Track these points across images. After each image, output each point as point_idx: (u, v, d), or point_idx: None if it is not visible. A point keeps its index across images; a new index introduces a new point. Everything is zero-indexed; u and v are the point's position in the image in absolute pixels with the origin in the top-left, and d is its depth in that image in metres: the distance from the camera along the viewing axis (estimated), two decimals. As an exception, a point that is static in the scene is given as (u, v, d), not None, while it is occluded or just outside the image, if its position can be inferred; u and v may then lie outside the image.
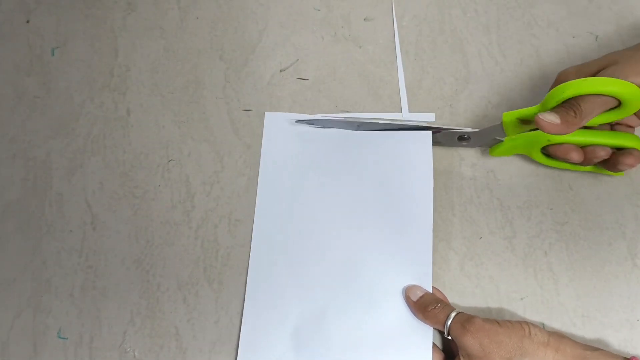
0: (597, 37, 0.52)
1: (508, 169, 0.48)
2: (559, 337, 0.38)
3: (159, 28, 0.55)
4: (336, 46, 0.53)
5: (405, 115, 0.51)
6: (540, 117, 0.40)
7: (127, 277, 0.47)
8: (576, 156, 0.43)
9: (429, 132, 0.48)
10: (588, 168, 0.47)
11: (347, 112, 0.51)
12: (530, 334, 0.38)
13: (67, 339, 0.46)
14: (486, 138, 0.47)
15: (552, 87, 0.45)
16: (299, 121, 0.50)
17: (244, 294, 0.46)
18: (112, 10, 0.56)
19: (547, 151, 0.45)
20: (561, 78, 0.44)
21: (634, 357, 0.37)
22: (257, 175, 0.49)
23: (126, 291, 0.47)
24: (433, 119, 0.50)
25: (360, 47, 0.53)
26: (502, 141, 0.46)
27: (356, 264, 0.45)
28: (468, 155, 0.49)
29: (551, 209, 0.47)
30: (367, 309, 0.44)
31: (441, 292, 0.44)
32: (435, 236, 0.47)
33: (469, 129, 0.47)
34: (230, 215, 0.48)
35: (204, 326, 0.46)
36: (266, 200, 0.48)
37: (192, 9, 0.55)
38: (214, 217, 0.49)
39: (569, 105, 0.40)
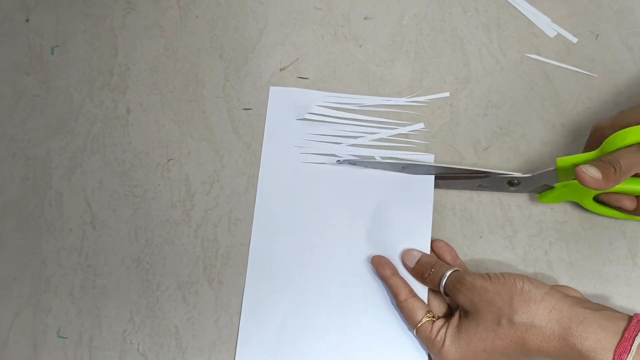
0: (597, 35, 0.52)
1: (508, 168, 0.48)
2: (559, 295, 0.37)
3: (158, 27, 0.55)
4: (336, 45, 0.53)
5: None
6: (583, 170, 0.37)
7: (126, 276, 0.47)
8: (629, 204, 0.43)
9: (432, 177, 0.47)
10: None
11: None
12: (522, 290, 0.37)
13: (66, 338, 0.46)
14: (537, 183, 0.44)
15: (589, 140, 0.43)
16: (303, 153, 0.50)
17: (243, 295, 0.46)
18: (112, 9, 0.56)
19: (599, 199, 0.44)
20: (597, 133, 0.43)
21: (637, 314, 0.35)
22: (257, 174, 0.49)
23: (126, 290, 0.47)
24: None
25: (360, 46, 0.53)
26: (553, 187, 0.44)
27: (355, 275, 0.45)
28: (468, 155, 0.49)
29: (551, 208, 0.47)
30: (365, 319, 0.44)
31: (448, 245, 0.45)
32: (435, 235, 0.47)
33: (519, 174, 0.44)
34: (230, 214, 0.48)
35: (203, 325, 0.46)
36: (266, 199, 0.48)
37: (191, 7, 0.55)
38: (214, 216, 0.48)
39: (608, 161, 0.38)
